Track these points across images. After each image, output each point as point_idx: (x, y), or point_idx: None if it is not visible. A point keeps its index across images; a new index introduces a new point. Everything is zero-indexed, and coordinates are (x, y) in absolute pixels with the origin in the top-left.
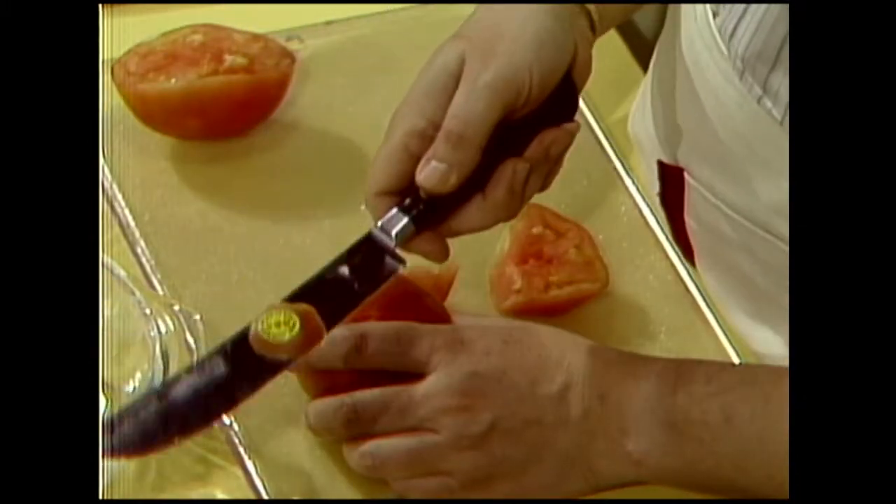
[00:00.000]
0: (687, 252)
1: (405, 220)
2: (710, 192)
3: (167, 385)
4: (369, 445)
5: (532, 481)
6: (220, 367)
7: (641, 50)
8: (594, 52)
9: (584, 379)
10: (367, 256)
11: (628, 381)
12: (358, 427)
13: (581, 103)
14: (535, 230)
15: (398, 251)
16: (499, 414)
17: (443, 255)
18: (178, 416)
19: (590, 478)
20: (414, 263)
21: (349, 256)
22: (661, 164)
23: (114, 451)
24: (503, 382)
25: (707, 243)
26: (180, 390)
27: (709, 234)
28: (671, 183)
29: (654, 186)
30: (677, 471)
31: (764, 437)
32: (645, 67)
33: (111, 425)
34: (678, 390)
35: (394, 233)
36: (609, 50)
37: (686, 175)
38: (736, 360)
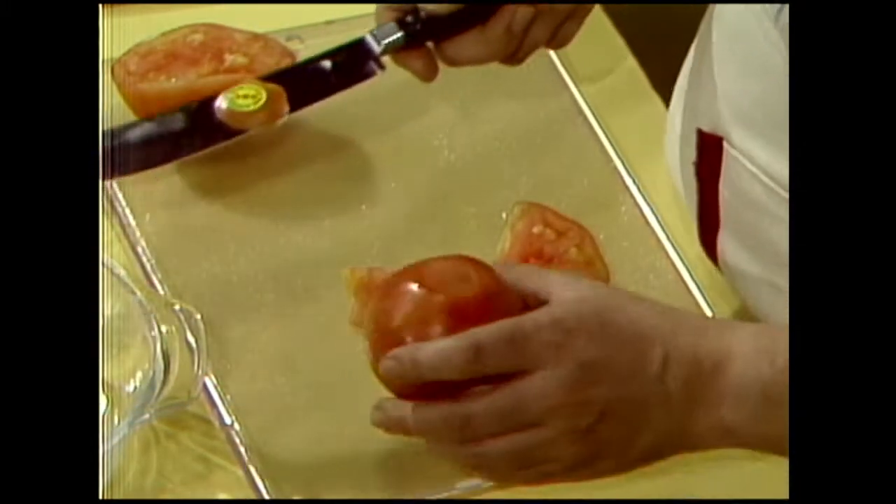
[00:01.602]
0: (710, 224)
1: (399, 33)
2: (749, 160)
3: (124, 127)
4: (476, 447)
5: (633, 454)
6: (178, 122)
7: (642, 50)
8: (594, 54)
9: (679, 350)
10: (352, 56)
11: (723, 349)
12: (468, 434)
13: (582, 104)
14: (536, 229)
15: (382, 59)
16: (607, 401)
17: (428, 73)
18: (124, 154)
19: (686, 445)
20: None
21: (335, 53)
22: (699, 133)
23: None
24: (610, 369)
25: (737, 213)
26: (133, 133)
27: (741, 204)
28: (708, 152)
29: (690, 156)
30: (768, 437)
31: None
32: (646, 68)
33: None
34: (776, 360)
35: (384, 42)
36: (611, 51)
37: (725, 144)
38: None
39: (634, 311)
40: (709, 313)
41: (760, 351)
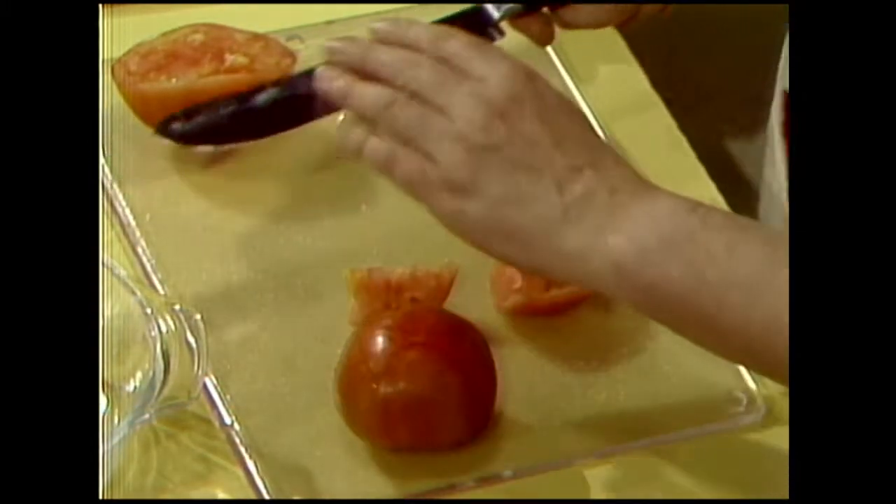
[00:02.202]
0: None
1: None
2: None
3: (251, 92)
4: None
5: (501, 216)
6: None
7: (642, 50)
8: (594, 54)
9: (607, 171)
10: (471, 23)
11: (648, 192)
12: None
13: (581, 104)
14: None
15: (502, 25)
16: (511, 142)
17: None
18: (255, 117)
19: (555, 255)
20: (420, 257)
21: (454, 20)
22: (785, 95)
23: (180, 137)
24: (534, 125)
25: None
26: (261, 98)
27: None
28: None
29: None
30: (651, 288)
31: (756, 283)
32: (647, 69)
33: (188, 114)
34: (694, 212)
35: (503, 8)
36: (610, 51)
37: None
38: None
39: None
40: None
41: (683, 203)
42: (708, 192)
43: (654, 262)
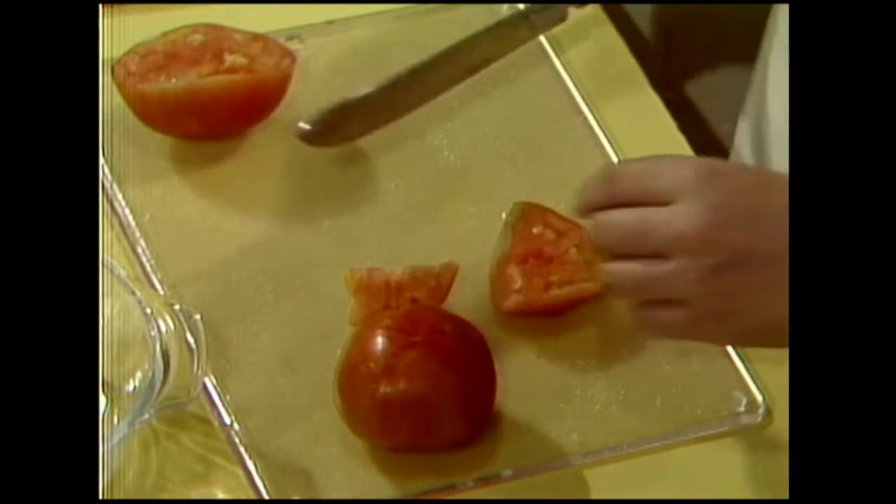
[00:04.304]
0: None
1: None
2: None
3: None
4: (607, 266)
5: (766, 314)
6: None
7: (642, 50)
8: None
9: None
10: None
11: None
12: (600, 243)
13: (582, 104)
14: (536, 230)
15: None
16: (735, 246)
17: None
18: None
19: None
20: (420, 257)
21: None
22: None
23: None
24: (740, 215)
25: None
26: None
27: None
28: None
29: None
30: None
31: None
32: (646, 68)
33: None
34: None
35: None
36: (610, 51)
37: None
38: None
39: (748, 190)
40: None
41: None
42: None
43: None
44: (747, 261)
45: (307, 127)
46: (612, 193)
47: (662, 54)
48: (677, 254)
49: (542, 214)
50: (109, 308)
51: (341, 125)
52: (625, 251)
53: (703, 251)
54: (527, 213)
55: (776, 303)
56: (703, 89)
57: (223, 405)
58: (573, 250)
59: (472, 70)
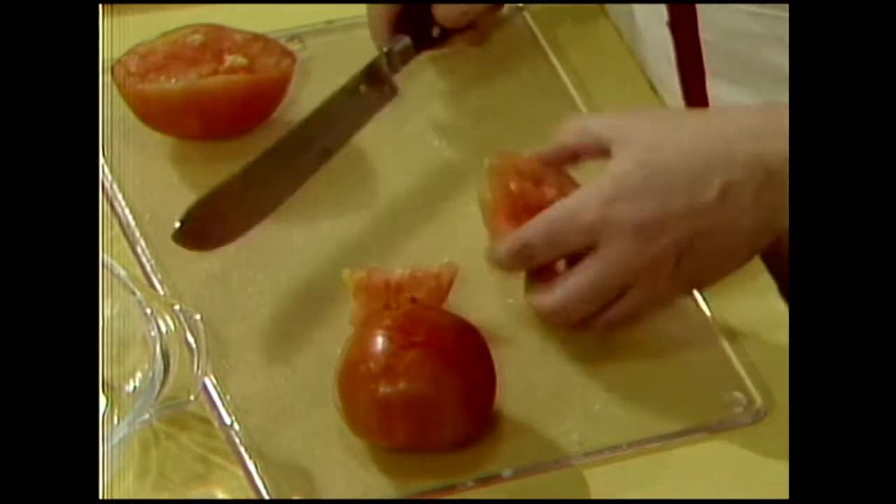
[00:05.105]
0: (697, 76)
1: None
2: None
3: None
4: (553, 298)
5: (732, 265)
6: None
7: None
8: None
9: (742, 170)
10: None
11: (781, 134)
12: (574, 320)
13: (581, 104)
14: (513, 185)
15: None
16: (677, 244)
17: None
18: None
19: (776, 234)
20: (420, 257)
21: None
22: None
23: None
24: (667, 218)
25: (724, 50)
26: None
27: (727, 39)
28: (679, 9)
29: (661, 21)
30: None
31: None
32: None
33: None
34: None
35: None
36: (610, 52)
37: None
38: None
39: (678, 145)
40: (703, 304)
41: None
42: None
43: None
44: (692, 246)
45: (178, 226)
46: (532, 266)
47: None
48: (636, 280)
49: (513, 164)
50: (109, 308)
51: (212, 228)
52: (598, 307)
53: (655, 268)
54: (498, 167)
55: (734, 254)
56: None
57: (223, 405)
58: (552, 192)
59: (329, 154)
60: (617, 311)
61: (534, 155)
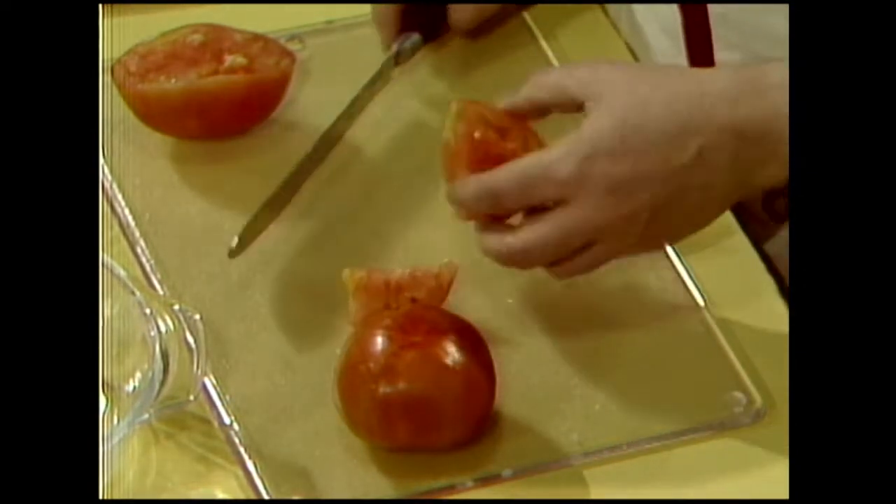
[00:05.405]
0: (705, 49)
1: None
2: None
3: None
4: (515, 241)
5: (698, 221)
6: None
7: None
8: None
9: (718, 133)
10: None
11: (767, 110)
12: (527, 266)
13: None
14: (477, 133)
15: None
16: (650, 205)
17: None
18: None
19: (749, 192)
20: (420, 257)
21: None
22: (681, 7)
23: None
24: (641, 179)
25: (731, 19)
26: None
27: (734, 10)
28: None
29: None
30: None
31: None
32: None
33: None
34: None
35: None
36: (610, 52)
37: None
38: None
39: (656, 106)
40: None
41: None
42: None
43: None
44: (662, 208)
45: (235, 241)
46: (500, 212)
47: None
48: (603, 237)
49: (478, 111)
50: (109, 308)
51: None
52: (560, 259)
53: (624, 227)
54: (463, 114)
55: (702, 213)
56: None
57: (223, 405)
58: (515, 145)
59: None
60: (579, 262)
61: (503, 106)
